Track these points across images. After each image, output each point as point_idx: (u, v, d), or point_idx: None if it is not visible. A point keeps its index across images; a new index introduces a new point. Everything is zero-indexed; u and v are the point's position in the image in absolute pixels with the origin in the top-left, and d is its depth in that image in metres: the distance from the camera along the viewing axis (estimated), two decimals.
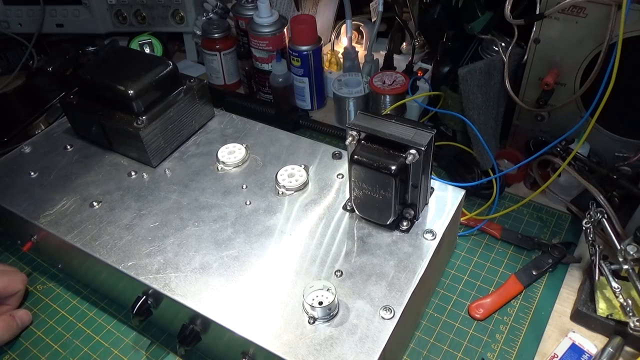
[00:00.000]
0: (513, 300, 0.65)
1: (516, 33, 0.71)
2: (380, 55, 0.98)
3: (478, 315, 0.64)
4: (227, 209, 0.65)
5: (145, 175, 0.70)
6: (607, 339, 0.60)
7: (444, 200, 0.63)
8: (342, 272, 0.56)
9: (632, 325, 0.56)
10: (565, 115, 0.73)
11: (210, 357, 0.62)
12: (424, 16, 0.90)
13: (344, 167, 0.69)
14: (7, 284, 0.66)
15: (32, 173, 0.72)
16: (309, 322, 0.52)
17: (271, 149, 0.73)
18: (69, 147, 0.76)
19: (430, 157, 0.57)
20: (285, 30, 0.95)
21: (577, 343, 0.59)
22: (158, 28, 1.10)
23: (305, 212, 0.64)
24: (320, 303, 0.51)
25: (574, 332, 0.60)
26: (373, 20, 0.96)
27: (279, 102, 0.97)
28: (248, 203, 0.65)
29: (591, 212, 0.64)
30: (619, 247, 0.60)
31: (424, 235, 0.59)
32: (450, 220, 0.61)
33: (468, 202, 0.78)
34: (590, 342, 0.59)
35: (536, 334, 0.62)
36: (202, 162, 0.72)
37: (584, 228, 0.64)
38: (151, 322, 0.63)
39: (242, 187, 0.67)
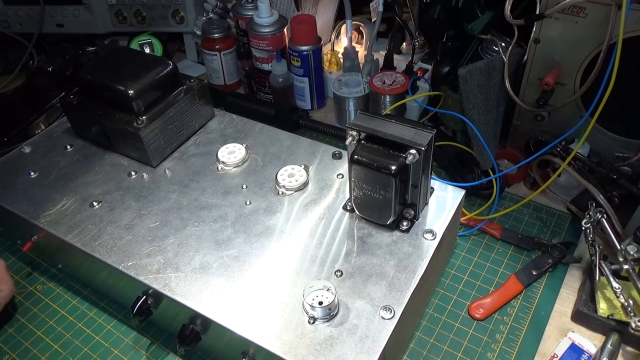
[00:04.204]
0: (513, 300, 0.65)
1: (516, 33, 0.71)
2: (380, 55, 0.98)
3: (478, 315, 0.64)
4: (227, 209, 0.65)
5: (145, 175, 0.70)
6: None
7: (444, 200, 0.63)
8: (342, 272, 0.56)
9: (633, 325, 0.56)
10: (565, 115, 0.73)
11: (210, 357, 0.62)
12: (424, 16, 0.90)
13: (344, 167, 0.69)
14: None
15: (32, 173, 0.72)
16: (309, 322, 0.52)
17: (271, 149, 0.73)
18: (69, 147, 0.76)
19: (430, 157, 0.57)
20: (285, 30, 0.95)
21: (576, 343, 0.59)
22: (158, 28, 1.10)
23: (305, 212, 0.64)
24: (320, 303, 0.51)
25: (573, 331, 0.60)
26: (373, 20, 0.96)
27: (279, 102, 0.97)
28: (248, 203, 0.65)
29: (591, 212, 0.64)
30: (619, 247, 0.60)
31: (424, 235, 0.59)
32: (450, 220, 0.61)
33: (468, 202, 0.78)
34: (590, 341, 0.59)
35: (536, 334, 0.62)
36: (202, 162, 0.72)
37: (583, 228, 0.64)
38: (151, 322, 0.63)
39: (242, 187, 0.67)
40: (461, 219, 0.73)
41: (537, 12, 0.66)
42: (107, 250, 0.61)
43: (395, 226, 0.60)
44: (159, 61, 0.74)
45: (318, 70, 0.95)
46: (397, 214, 0.59)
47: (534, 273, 0.67)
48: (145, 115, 0.69)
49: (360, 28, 1.05)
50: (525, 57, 0.73)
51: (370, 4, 0.95)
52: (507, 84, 0.72)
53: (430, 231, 0.60)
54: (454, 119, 0.79)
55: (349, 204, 0.63)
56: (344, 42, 1.03)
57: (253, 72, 1.01)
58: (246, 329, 0.52)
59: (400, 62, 0.97)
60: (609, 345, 0.58)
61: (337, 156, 0.71)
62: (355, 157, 0.55)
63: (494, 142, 0.79)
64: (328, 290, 0.52)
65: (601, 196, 0.66)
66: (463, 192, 0.64)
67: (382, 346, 0.49)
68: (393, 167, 0.53)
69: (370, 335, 0.50)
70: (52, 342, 0.65)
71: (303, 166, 0.69)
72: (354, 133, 0.56)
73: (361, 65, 0.98)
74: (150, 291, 0.58)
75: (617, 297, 0.58)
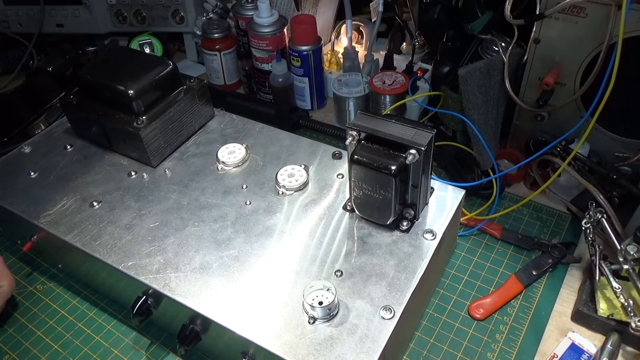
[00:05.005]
0: (513, 300, 0.65)
1: (516, 33, 0.71)
2: (380, 55, 0.98)
3: (478, 315, 0.64)
4: (227, 209, 0.65)
5: (145, 175, 0.70)
6: None
7: (444, 200, 0.63)
8: (342, 272, 0.56)
9: (633, 325, 0.56)
10: (565, 115, 0.73)
11: (210, 357, 0.62)
12: (424, 16, 0.90)
13: (344, 167, 0.69)
14: None
15: (32, 173, 0.72)
16: (309, 322, 0.52)
17: (271, 149, 0.73)
18: (69, 147, 0.76)
19: (430, 157, 0.57)
20: (285, 30, 0.95)
21: (576, 343, 0.59)
22: (158, 28, 1.10)
23: (305, 212, 0.64)
24: (320, 303, 0.51)
25: (573, 331, 0.60)
26: (373, 20, 0.96)
27: (279, 102, 0.97)
28: (248, 203, 0.65)
29: (591, 212, 0.64)
30: (619, 247, 0.60)
31: (424, 235, 0.59)
32: (450, 220, 0.61)
33: (468, 202, 0.78)
34: (590, 341, 0.59)
35: (536, 334, 0.62)
36: (202, 162, 0.72)
37: (583, 228, 0.64)
38: (151, 322, 0.63)
39: (242, 187, 0.67)
40: (461, 219, 0.73)
41: (537, 12, 0.66)
42: (107, 250, 0.61)
43: (395, 226, 0.60)
44: (159, 61, 0.74)
45: (318, 70, 0.95)
46: (397, 214, 0.59)
47: (534, 273, 0.67)
48: (145, 115, 0.69)
49: (360, 28, 1.05)
50: (525, 57, 0.73)
51: (370, 4, 0.95)
52: (507, 84, 0.72)
53: (430, 231, 0.60)
54: (454, 119, 0.79)
55: (349, 204, 0.63)
56: (344, 42, 1.03)
57: (253, 72, 1.01)
58: (246, 329, 0.52)
59: (400, 62, 0.97)
60: (609, 345, 0.58)
61: (337, 156, 0.71)
62: (355, 157, 0.55)
63: (494, 142, 0.79)
64: (328, 290, 0.52)
65: (601, 196, 0.65)
66: (463, 192, 0.64)
67: (382, 346, 0.49)
68: (393, 167, 0.53)
69: (370, 335, 0.50)
70: (52, 342, 0.65)
71: (303, 166, 0.69)
72: (354, 133, 0.56)
73: (361, 65, 0.98)
74: (150, 291, 0.58)
75: (617, 297, 0.58)
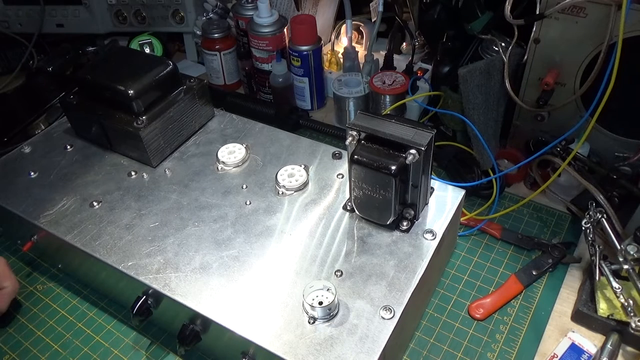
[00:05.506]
0: (513, 300, 0.65)
1: (516, 33, 0.71)
2: (380, 55, 0.98)
3: (478, 315, 0.64)
4: (227, 209, 0.65)
5: (145, 175, 0.70)
6: None
7: (444, 200, 0.63)
8: (342, 272, 0.56)
9: (633, 325, 0.56)
10: (565, 115, 0.73)
11: (210, 357, 0.62)
12: (424, 16, 0.90)
13: (344, 167, 0.69)
14: None
15: (32, 173, 0.72)
16: (309, 322, 0.52)
17: (271, 149, 0.73)
18: (69, 147, 0.76)
19: (430, 157, 0.57)
20: (285, 30, 0.95)
21: (576, 343, 0.59)
22: (158, 28, 1.10)
23: (305, 212, 0.64)
24: (320, 303, 0.51)
25: (573, 331, 0.60)
26: (373, 20, 0.96)
27: (279, 102, 0.97)
28: (248, 203, 0.65)
29: (591, 212, 0.64)
30: (619, 247, 0.60)
31: (424, 235, 0.59)
32: (450, 220, 0.61)
33: (468, 202, 0.78)
34: (590, 341, 0.59)
35: (536, 334, 0.62)
36: (202, 162, 0.72)
37: (583, 228, 0.64)
38: (151, 322, 0.63)
39: (242, 187, 0.67)
40: (461, 219, 0.73)
41: (537, 12, 0.66)
42: (107, 250, 0.61)
43: (395, 226, 0.60)
44: (159, 61, 0.74)
45: (318, 70, 0.95)
46: (397, 214, 0.59)
47: (534, 273, 0.67)
48: (145, 115, 0.69)
49: (360, 28, 1.05)
50: (525, 57, 0.73)
51: (370, 4, 0.95)
52: (507, 84, 0.72)
53: (430, 231, 0.60)
54: (454, 119, 0.79)
55: (349, 204, 0.63)
56: (344, 42, 1.03)
57: (253, 72, 1.01)
58: (246, 329, 0.52)
59: (400, 62, 0.97)
60: (609, 345, 0.58)
61: (337, 156, 0.71)
62: (355, 157, 0.55)
63: (494, 142, 0.79)
64: (328, 290, 0.52)
65: (601, 196, 0.65)
66: (463, 192, 0.64)
67: (382, 346, 0.49)
68: (393, 167, 0.53)
69: (370, 335, 0.50)
70: (52, 342, 0.65)
71: (303, 166, 0.69)
72: (354, 133, 0.56)
73: (361, 65, 0.98)
74: (150, 291, 0.58)
75: (617, 297, 0.58)
